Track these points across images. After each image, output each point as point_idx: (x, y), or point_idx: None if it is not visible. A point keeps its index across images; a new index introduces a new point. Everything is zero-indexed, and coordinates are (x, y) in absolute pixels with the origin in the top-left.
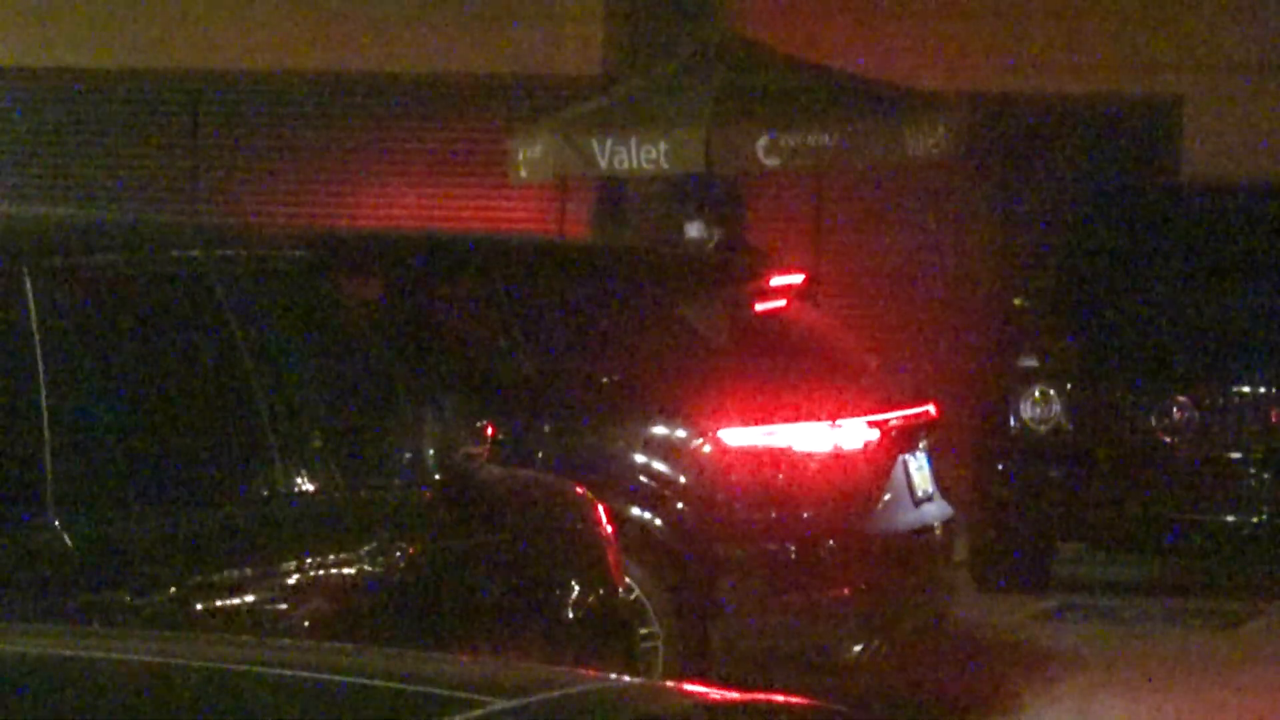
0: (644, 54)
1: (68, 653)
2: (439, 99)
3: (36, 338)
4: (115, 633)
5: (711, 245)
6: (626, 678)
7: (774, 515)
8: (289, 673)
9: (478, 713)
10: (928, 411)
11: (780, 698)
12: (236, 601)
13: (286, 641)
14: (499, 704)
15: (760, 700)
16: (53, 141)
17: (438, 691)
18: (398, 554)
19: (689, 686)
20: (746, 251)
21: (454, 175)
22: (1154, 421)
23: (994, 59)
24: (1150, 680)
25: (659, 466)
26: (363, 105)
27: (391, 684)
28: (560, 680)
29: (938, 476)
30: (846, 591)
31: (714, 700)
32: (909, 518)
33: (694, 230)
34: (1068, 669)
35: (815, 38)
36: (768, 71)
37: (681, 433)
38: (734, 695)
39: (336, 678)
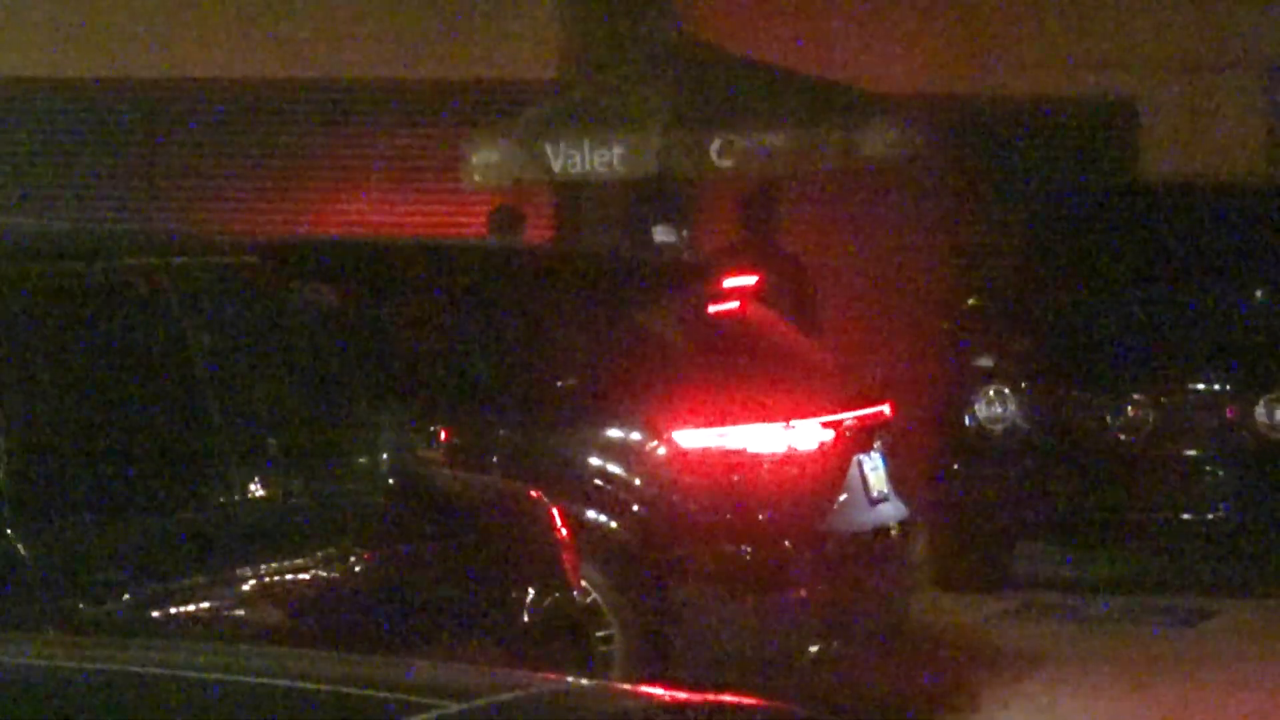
0: (597, 57)
1: (20, 662)
2: (393, 105)
3: None
4: (69, 641)
5: (684, 249)
6: (579, 680)
7: (729, 517)
8: (240, 678)
9: (429, 716)
10: (882, 412)
11: (732, 698)
12: (192, 608)
13: (238, 647)
14: (451, 708)
15: (712, 701)
16: (7, 151)
17: (389, 696)
18: (353, 559)
19: (642, 688)
20: (733, 255)
21: (409, 181)
22: (1109, 420)
23: (948, 61)
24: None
25: (614, 469)
26: (317, 112)
27: (343, 688)
28: (512, 683)
29: (894, 476)
30: (803, 592)
31: (666, 701)
32: (865, 518)
33: (661, 234)
34: (1028, 667)
35: (769, 39)
36: (721, 74)
37: (636, 435)
38: (685, 696)
39: (288, 683)
